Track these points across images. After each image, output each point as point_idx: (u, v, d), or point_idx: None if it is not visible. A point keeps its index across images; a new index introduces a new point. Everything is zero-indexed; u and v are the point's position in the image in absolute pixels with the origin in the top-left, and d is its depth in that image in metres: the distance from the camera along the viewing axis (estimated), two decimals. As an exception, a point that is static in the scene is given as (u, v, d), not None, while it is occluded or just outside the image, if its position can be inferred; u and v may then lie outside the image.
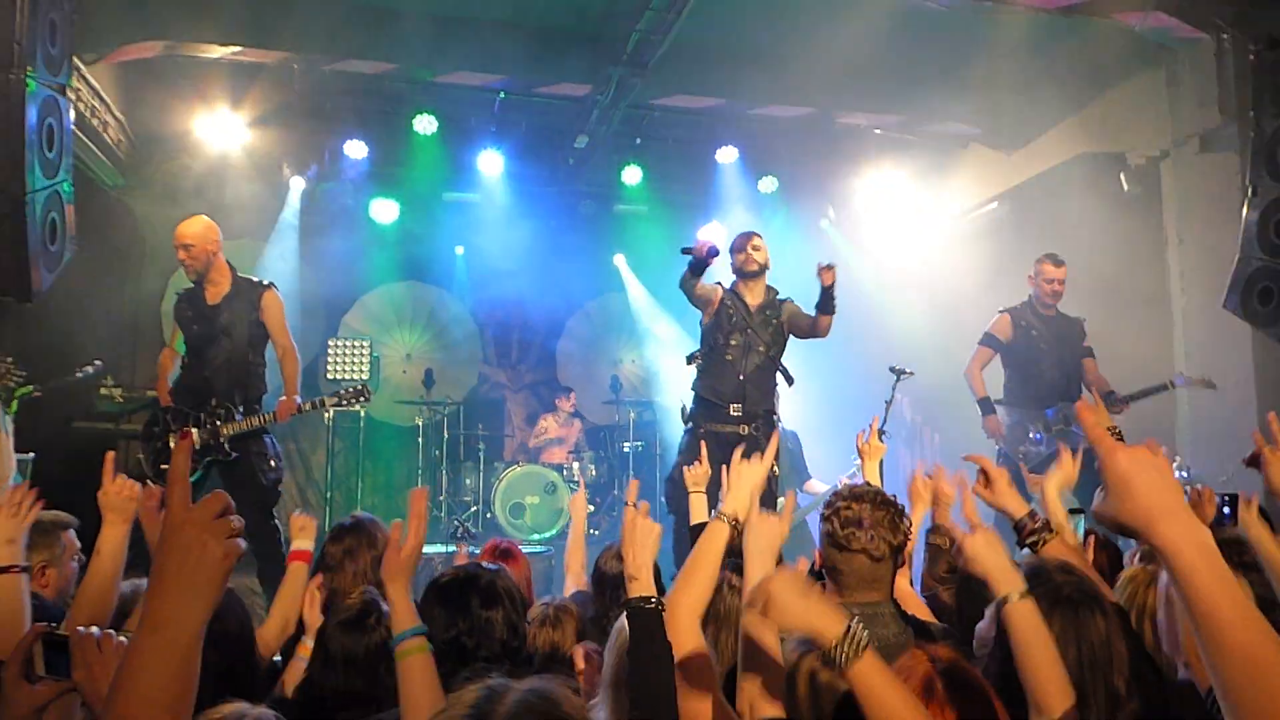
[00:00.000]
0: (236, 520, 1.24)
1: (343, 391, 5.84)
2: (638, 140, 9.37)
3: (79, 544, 3.70)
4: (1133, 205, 7.43)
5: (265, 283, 5.75)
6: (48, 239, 4.14)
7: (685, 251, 5.42)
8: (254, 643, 2.91)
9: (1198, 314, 6.93)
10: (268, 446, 5.59)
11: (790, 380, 5.91)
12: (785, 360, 5.90)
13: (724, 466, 3.40)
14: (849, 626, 1.63)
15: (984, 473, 2.70)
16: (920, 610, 2.75)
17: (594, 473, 9.68)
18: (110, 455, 2.84)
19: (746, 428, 5.55)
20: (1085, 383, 6.57)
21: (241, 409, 5.51)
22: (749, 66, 7.83)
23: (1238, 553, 2.44)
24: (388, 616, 2.72)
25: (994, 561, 2.08)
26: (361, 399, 5.85)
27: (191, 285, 5.58)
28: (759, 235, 5.88)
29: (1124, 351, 7.07)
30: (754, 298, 5.76)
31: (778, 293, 5.88)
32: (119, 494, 2.71)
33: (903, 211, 9.66)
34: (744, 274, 5.78)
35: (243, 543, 1.23)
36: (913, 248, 9.69)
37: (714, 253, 5.35)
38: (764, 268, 5.78)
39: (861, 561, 2.45)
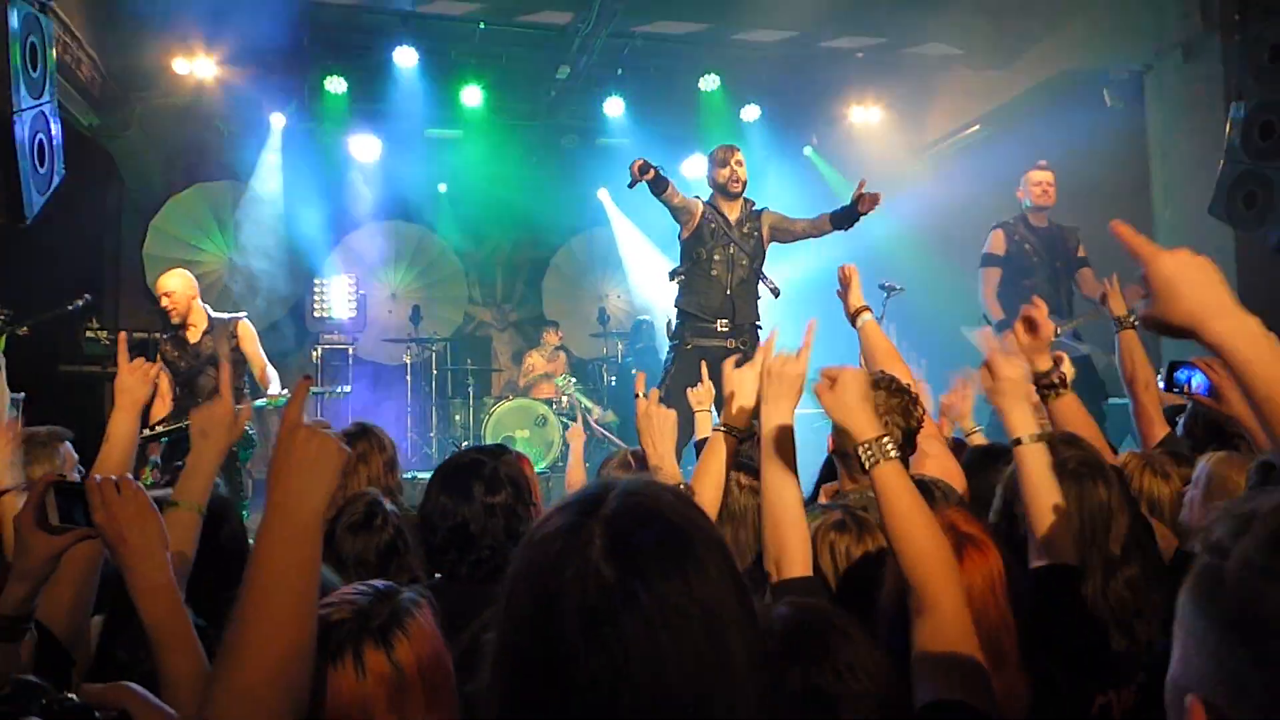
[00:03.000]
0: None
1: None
2: (619, 71, 9.28)
3: (77, 456, 3.74)
4: (1116, 120, 7.46)
5: (238, 316, 6.34)
6: (36, 161, 4.10)
7: (632, 185, 5.44)
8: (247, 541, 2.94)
9: (1181, 226, 6.98)
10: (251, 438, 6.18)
11: (776, 292, 5.90)
12: (774, 276, 5.92)
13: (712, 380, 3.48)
14: (883, 436, 1.72)
15: (1027, 319, 2.63)
16: (958, 480, 2.78)
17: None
18: (124, 335, 2.82)
19: (734, 342, 5.56)
20: (1083, 295, 6.59)
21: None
22: (732, -11, 7.77)
23: None
24: (394, 516, 2.77)
25: (1017, 402, 2.12)
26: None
27: (173, 331, 6.13)
28: (740, 150, 5.80)
29: (1108, 267, 7.13)
30: (733, 212, 5.74)
31: (754, 203, 5.84)
32: (131, 374, 2.69)
33: (886, 135, 9.65)
34: (727, 194, 5.71)
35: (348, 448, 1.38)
36: (897, 172, 9.69)
37: (646, 169, 5.34)
38: (745, 186, 5.75)
39: None
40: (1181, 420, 3.16)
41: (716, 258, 5.64)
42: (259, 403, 5.95)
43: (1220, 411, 2.80)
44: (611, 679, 0.95)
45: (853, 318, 3.34)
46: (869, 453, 1.71)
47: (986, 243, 6.68)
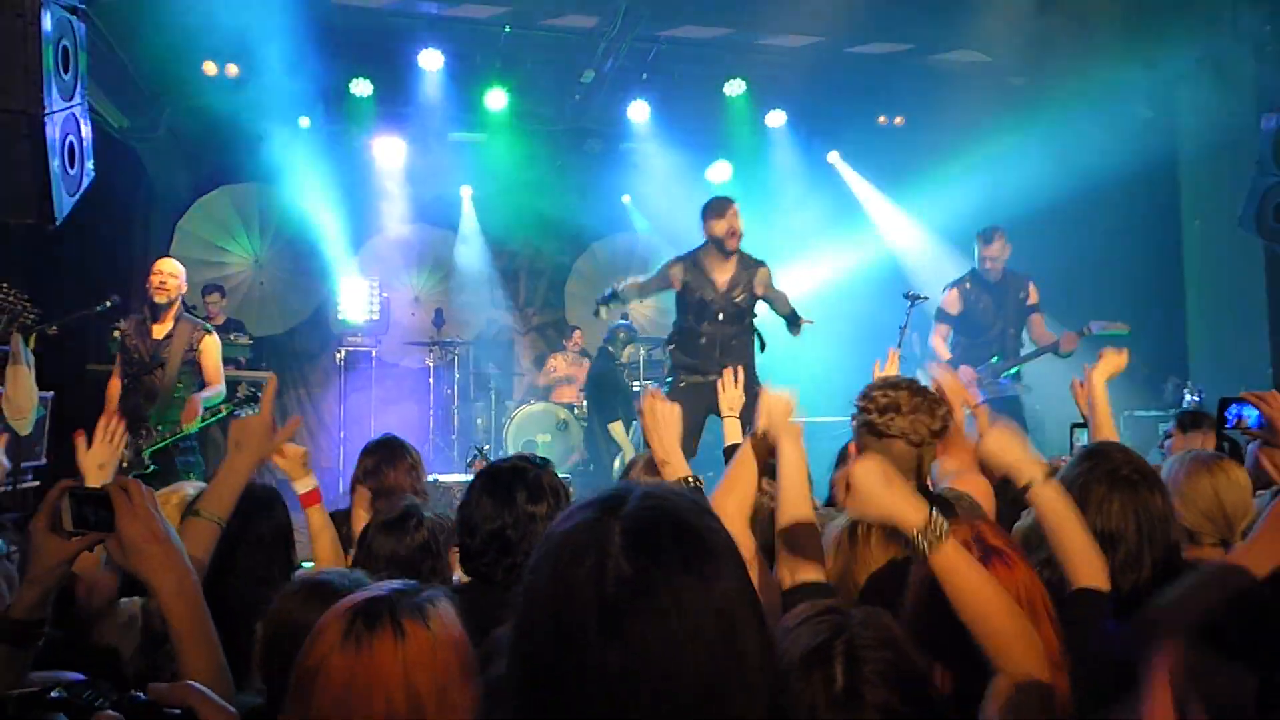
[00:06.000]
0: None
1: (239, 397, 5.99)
2: (644, 75, 9.27)
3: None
4: (1145, 129, 7.40)
5: (207, 327, 6.16)
6: (66, 163, 4.14)
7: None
8: (292, 546, 2.95)
9: (1210, 238, 6.93)
10: (179, 462, 5.96)
11: (763, 346, 5.89)
12: (798, 293, 5.95)
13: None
14: (931, 515, 1.64)
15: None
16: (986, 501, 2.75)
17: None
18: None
19: None
20: (1032, 339, 6.84)
21: (160, 428, 5.88)
22: (759, -6, 7.75)
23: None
24: (429, 520, 2.79)
25: (1013, 455, 2.10)
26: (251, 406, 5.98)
27: (141, 317, 5.97)
28: (736, 203, 5.68)
29: (1134, 275, 7.10)
30: (723, 273, 5.62)
31: (749, 256, 5.71)
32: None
33: (912, 142, 9.60)
34: (723, 249, 5.58)
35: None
36: (922, 178, 9.65)
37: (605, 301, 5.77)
38: (741, 239, 5.63)
39: (900, 447, 2.42)
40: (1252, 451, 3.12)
41: (704, 329, 5.63)
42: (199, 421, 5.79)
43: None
44: (626, 670, 0.97)
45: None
46: (923, 540, 1.63)
47: (942, 299, 6.91)
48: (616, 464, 8.28)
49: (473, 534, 2.34)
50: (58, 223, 4.05)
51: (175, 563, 1.70)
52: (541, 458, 2.59)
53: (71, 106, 4.17)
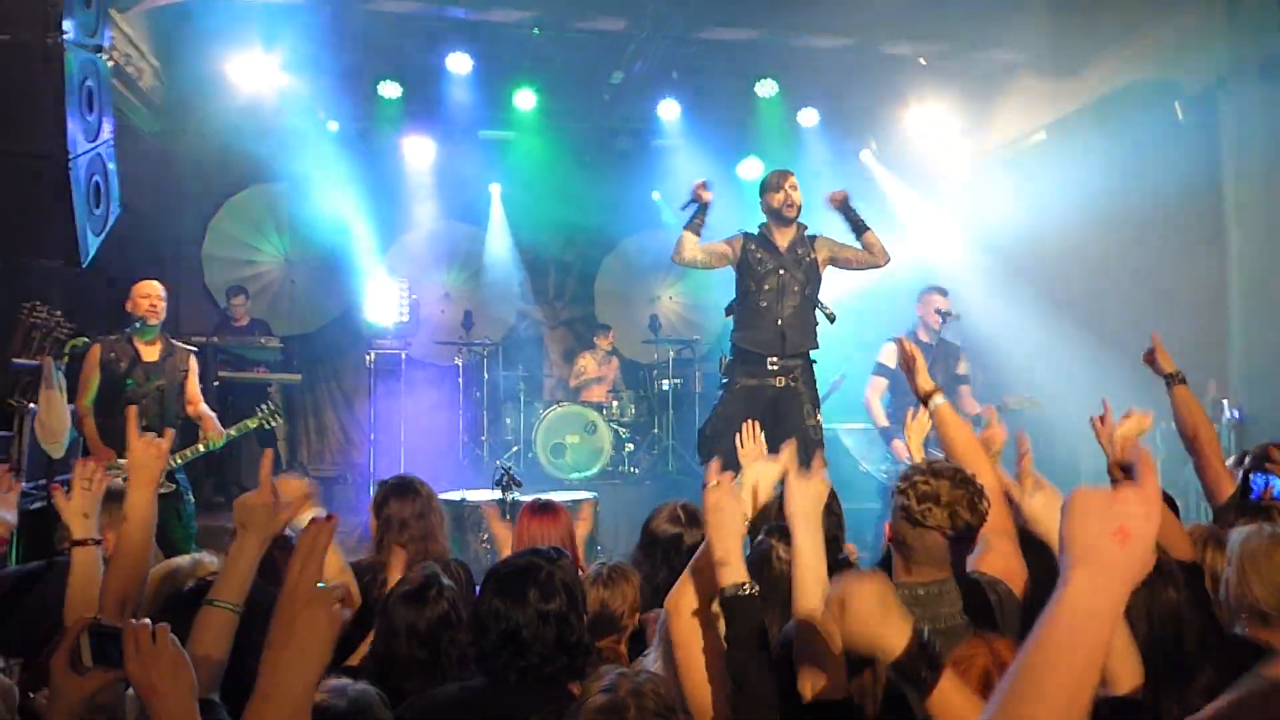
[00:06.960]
0: (339, 589, 1.34)
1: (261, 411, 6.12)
2: (675, 75, 9.16)
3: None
4: (1187, 135, 7.19)
5: (193, 349, 6.25)
6: (92, 203, 4.14)
7: (686, 206, 5.55)
8: None
9: (1252, 250, 6.74)
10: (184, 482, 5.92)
11: (832, 318, 5.78)
12: (827, 298, 5.78)
13: (753, 422, 3.35)
14: (920, 645, 1.59)
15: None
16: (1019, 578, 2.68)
17: (633, 411, 9.70)
18: (133, 410, 2.78)
19: (784, 379, 5.45)
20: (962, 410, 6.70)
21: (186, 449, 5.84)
22: (790, -4, 7.61)
23: None
24: (449, 590, 2.77)
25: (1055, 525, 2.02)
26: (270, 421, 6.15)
27: (119, 338, 5.84)
28: (794, 174, 5.66)
29: (1176, 288, 6.94)
30: (784, 238, 5.57)
31: (806, 228, 5.68)
32: (146, 452, 2.60)
33: (947, 143, 9.43)
34: (781, 219, 5.57)
35: (346, 612, 1.30)
36: (957, 180, 9.48)
37: (707, 190, 5.50)
38: (800, 210, 5.60)
39: (934, 539, 2.39)
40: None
41: (766, 288, 5.49)
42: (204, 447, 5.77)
43: None
44: None
45: (923, 400, 3.19)
46: (914, 674, 1.57)
47: (881, 352, 6.75)
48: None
49: (485, 634, 2.31)
50: (84, 264, 4.06)
51: (178, 713, 1.66)
52: (556, 549, 2.53)
53: (96, 147, 4.17)
